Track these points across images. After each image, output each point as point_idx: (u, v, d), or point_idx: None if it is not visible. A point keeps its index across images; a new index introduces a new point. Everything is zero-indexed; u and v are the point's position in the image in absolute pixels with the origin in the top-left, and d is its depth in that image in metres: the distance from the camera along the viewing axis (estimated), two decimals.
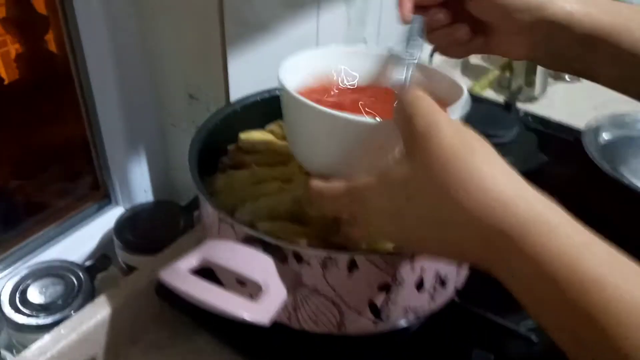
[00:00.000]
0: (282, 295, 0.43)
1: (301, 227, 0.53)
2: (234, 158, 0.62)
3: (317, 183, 0.44)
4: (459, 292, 0.56)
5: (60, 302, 0.64)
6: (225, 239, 0.50)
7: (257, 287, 0.43)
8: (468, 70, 1.25)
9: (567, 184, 0.86)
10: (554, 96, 1.16)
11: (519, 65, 1.11)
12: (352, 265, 0.46)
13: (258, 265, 0.44)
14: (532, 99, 1.12)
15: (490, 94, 1.16)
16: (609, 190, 0.76)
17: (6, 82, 0.86)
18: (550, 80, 1.17)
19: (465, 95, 0.47)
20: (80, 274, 0.66)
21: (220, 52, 0.64)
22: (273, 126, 0.67)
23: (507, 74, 1.17)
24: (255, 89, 0.67)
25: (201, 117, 0.72)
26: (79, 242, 0.76)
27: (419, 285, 0.50)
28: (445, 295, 0.53)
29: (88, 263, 0.69)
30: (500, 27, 0.49)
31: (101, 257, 0.69)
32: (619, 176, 0.74)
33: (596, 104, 1.06)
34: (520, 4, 0.46)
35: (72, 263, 0.67)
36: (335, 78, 0.55)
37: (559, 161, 0.87)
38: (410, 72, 0.49)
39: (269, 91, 0.67)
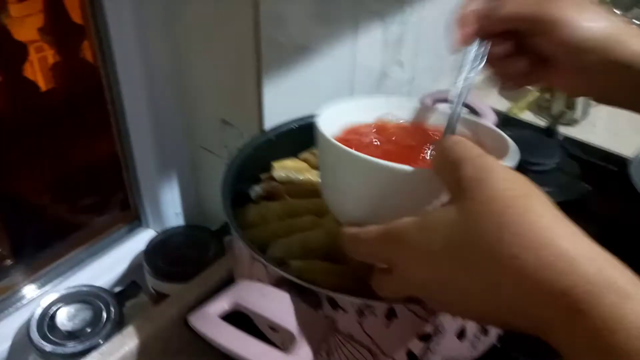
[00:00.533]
0: (315, 345, 0.41)
1: (336, 265, 0.51)
2: (266, 188, 0.60)
3: (350, 227, 0.42)
4: (500, 337, 0.53)
5: (88, 329, 0.63)
6: (256, 279, 0.49)
7: (289, 334, 0.41)
8: (505, 91, 1.21)
9: (611, 216, 0.82)
10: (596, 119, 1.12)
11: None
12: (391, 314, 0.44)
13: (290, 311, 0.42)
14: (572, 122, 1.08)
15: (528, 116, 1.12)
16: None
17: (43, 89, 0.87)
18: (591, 101, 1.13)
19: (514, 147, 0.44)
20: (109, 300, 0.65)
21: (255, 78, 0.63)
22: (307, 154, 0.65)
23: (547, 96, 1.13)
24: (289, 115, 0.65)
25: (234, 142, 0.71)
26: (110, 265, 0.75)
27: (460, 334, 0.47)
28: (487, 342, 0.51)
29: (117, 289, 0.68)
30: (563, 64, 0.46)
31: (131, 284, 0.68)
32: None
33: None
34: (588, 46, 0.44)
35: (101, 289, 0.66)
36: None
37: (602, 191, 0.84)
38: (463, 99, 0.47)
39: (303, 119, 0.65)
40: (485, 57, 0.47)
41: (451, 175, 0.36)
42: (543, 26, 0.45)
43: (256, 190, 0.60)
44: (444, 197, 0.39)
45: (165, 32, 0.66)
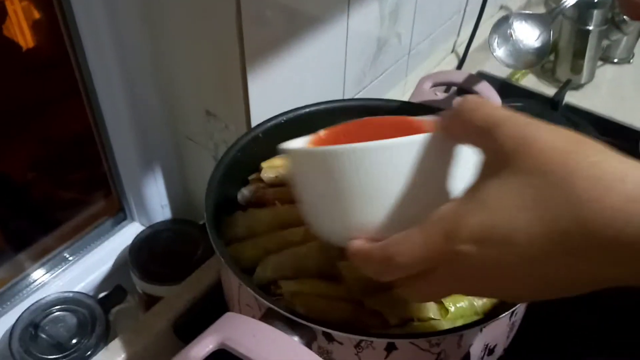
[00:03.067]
0: None
1: (330, 285, 0.47)
2: (255, 192, 0.56)
3: (358, 243, 0.36)
4: (505, 350, 0.50)
5: (74, 341, 0.60)
6: (245, 304, 0.45)
7: None
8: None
9: None
10: (602, 81, 1.06)
11: (565, 48, 1.01)
12: (391, 347, 0.40)
13: (282, 352, 0.39)
14: (578, 86, 1.03)
15: (531, 81, 1.06)
16: None
17: None
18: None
19: None
20: (95, 308, 0.62)
21: (239, 67, 0.57)
22: None
23: (552, 57, 1.06)
24: (276, 105, 0.60)
25: (219, 134, 0.67)
26: (94, 264, 0.72)
27: None
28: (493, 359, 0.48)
29: (102, 295, 0.64)
30: None
31: (116, 289, 0.65)
32: None
33: None
34: None
35: (85, 296, 0.63)
36: None
37: None
38: None
39: (293, 111, 0.60)
40: None
41: (487, 138, 0.31)
42: None
43: (244, 194, 0.56)
44: (452, 163, 0.35)
45: (141, 19, 0.60)
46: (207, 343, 0.39)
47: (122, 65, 0.62)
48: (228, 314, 0.41)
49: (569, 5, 0.70)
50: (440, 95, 0.65)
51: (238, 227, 0.52)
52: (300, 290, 0.46)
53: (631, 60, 1.10)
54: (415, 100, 0.66)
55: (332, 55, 0.70)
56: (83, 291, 0.67)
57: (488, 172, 0.31)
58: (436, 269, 0.32)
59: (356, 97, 0.78)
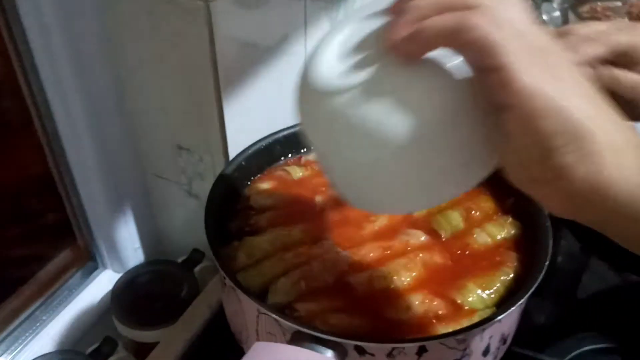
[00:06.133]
0: None
1: (346, 298, 0.48)
2: (246, 220, 0.55)
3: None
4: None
5: None
6: (266, 333, 0.45)
7: None
8: None
9: None
10: None
11: None
12: (422, 350, 0.41)
13: None
14: None
15: None
16: None
17: None
18: None
19: None
20: None
21: (215, 97, 0.57)
22: (280, 172, 0.61)
23: None
24: (252, 133, 0.60)
25: (193, 167, 0.66)
26: (72, 320, 0.68)
27: (486, 352, 0.46)
28: (504, 349, 0.50)
29: (92, 349, 0.61)
30: None
31: (106, 340, 0.62)
32: None
33: None
34: None
35: (74, 352, 0.60)
36: None
37: None
38: None
39: (271, 135, 0.60)
40: None
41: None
42: None
43: (235, 224, 0.55)
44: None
45: (104, 48, 0.58)
46: None
47: (85, 100, 0.60)
48: (258, 344, 0.40)
49: None
50: None
51: (238, 258, 0.51)
52: (318, 309, 0.46)
53: None
54: None
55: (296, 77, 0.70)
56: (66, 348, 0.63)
57: None
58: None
59: None
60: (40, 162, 0.66)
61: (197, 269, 0.70)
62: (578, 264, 0.73)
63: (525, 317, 0.52)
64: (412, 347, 0.41)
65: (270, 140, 0.60)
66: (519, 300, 0.44)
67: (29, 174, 0.71)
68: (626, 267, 0.70)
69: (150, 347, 0.59)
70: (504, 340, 0.48)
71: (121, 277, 0.68)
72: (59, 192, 0.69)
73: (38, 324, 0.66)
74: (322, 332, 0.41)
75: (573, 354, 0.56)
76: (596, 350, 0.56)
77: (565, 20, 0.96)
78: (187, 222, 0.71)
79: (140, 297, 0.66)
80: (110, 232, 0.71)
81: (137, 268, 0.70)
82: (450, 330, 0.43)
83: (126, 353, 0.63)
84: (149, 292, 0.67)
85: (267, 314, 0.43)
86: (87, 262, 0.74)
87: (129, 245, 0.73)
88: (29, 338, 0.65)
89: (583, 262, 0.73)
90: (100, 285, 0.72)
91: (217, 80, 0.56)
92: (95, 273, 0.73)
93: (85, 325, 0.68)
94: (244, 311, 0.47)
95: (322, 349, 0.40)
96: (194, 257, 0.71)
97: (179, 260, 0.71)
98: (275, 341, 0.44)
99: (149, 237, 0.74)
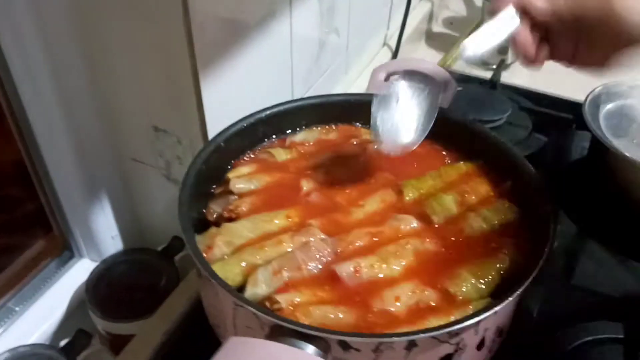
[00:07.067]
0: None
1: (331, 289, 0.44)
2: (225, 205, 0.52)
3: None
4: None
5: None
6: (244, 327, 0.42)
7: None
8: (433, 40, 1.17)
9: (570, 166, 0.81)
10: None
11: None
12: (411, 345, 0.38)
13: None
14: (505, 66, 1.05)
15: (460, 65, 1.08)
16: (618, 168, 0.70)
17: None
18: None
19: None
20: (57, 358, 0.56)
21: (192, 76, 0.53)
22: (263, 154, 0.57)
23: None
24: (231, 113, 0.57)
25: (171, 150, 0.62)
26: (46, 312, 0.64)
27: (480, 345, 0.43)
28: (500, 341, 0.47)
29: (64, 342, 0.58)
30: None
31: (79, 333, 0.58)
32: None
33: None
34: None
35: (44, 346, 0.57)
36: None
37: (558, 141, 0.82)
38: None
39: (252, 115, 0.57)
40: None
41: None
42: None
43: (214, 209, 0.52)
44: None
45: (74, 27, 0.54)
46: None
47: (55, 81, 0.56)
48: (233, 339, 0.37)
49: None
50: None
51: (216, 247, 0.48)
52: (301, 300, 0.43)
53: None
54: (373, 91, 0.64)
55: (279, 56, 0.67)
56: (39, 342, 0.60)
57: None
58: None
59: (307, 95, 0.76)
60: (11, 149, 0.63)
61: (177, 257, 0.67)
62: (574, 247, 0.70)
63: (519, 306, 0.49)
64: (401, 342, 0.38)
65: (252, 120, 0.57)
66: (518, 289, 0.41)
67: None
68: (625, 251, 0.67)
69: (126, 339, 0.56)
70: (499, 332, 0.45)
71: (96, 267, 0.65)
72: (32, 179, 0.65)
73: (10, 316, 0.63)
74: (302, 326, 0.38)
75: (574, 344, 0.53)
76: (598, 341, 0.52)
77: None
78: (167, 208, 0.68)
79: (117, 288, 0.63)
80: (86, 219, 0.68)
81: (114, 257, 0.66)
82: (442, 323, 0.40)
83: (101, 346, 0.60)
84: (126, 283, 0.63)
85: (244, 307, 0.40)
86: (63, 251, 0.70)
87: (106, 232, 0.69)
88: (0, 330, 0.62)
89: (580, 245, 0.70)
90: (77, 274, 0.68)
91: (194, 57, 0.52)
92: (71, 262, 0.70)
93: (60, 317, 0.64)
94: (221, 304, 0.43)
95: (303, 344, 0.37)
96: (174, 245, 0.67)
97: (159, 248, 0.68)
98: (254, 335, 0.41)
99: (127, 224, 0.70)
